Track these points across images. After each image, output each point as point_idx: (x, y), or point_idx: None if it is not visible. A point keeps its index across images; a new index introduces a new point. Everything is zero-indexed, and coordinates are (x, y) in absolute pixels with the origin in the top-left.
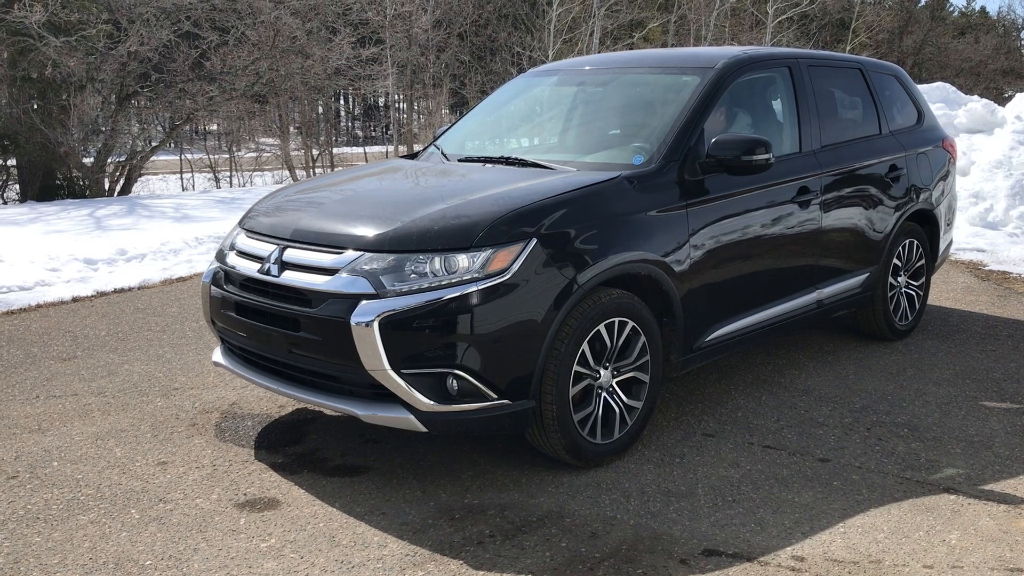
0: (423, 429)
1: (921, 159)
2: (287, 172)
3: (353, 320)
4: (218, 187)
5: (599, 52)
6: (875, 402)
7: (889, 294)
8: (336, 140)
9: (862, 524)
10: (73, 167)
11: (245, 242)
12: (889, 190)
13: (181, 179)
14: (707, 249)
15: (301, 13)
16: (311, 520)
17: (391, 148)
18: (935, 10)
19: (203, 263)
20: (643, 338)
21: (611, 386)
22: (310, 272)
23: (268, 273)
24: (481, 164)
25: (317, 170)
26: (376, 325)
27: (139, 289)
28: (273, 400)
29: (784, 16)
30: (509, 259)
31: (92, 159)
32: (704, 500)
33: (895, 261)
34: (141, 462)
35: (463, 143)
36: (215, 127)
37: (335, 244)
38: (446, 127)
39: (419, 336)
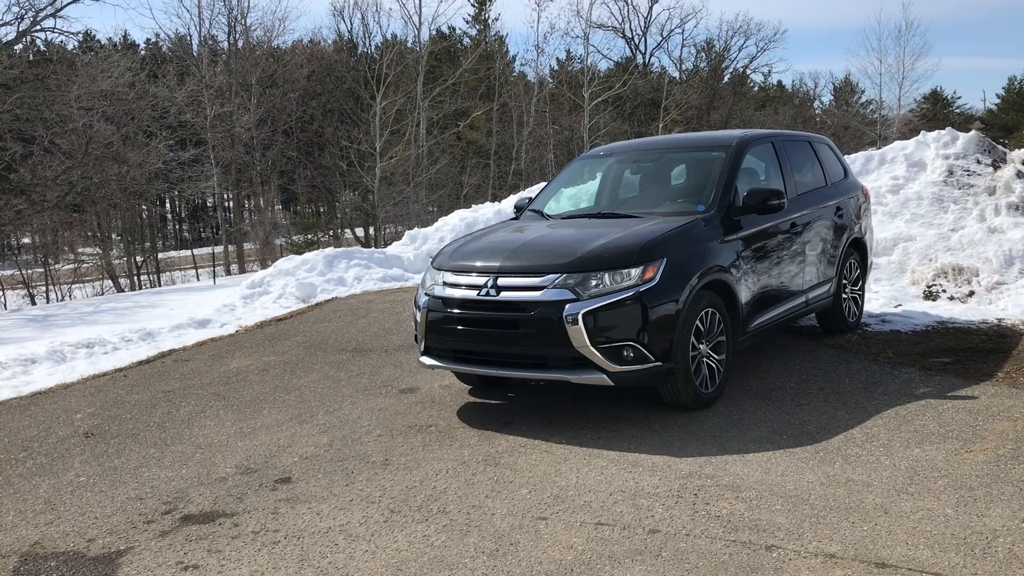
0: (611, 384)
1: (852, 202)
2: (110, 282)
3: (566, 315)
4: (33, 304)
5: (427, 142)
6: (700, 467)
7: (843, 298)
8: (164, 244)
9: None
10: None
11: (455, 278)
12: (838, 224)
13: None
14: (749, 264)
15: (115, 118)
16: None
17: (220, 249)
18: (737, 86)
19: (7, 389)
20: (722, 324)
21: (708, 353)
22: (522, 291)
23: (487, 295)
24: (586, 218)
25: (143, 277)
26: (581, 318)
27: None
28: (81, 534)
29: (599, 99)
30: (654, 271)
31: None
32: None
33: (844, 274)
34: None
35: (553, 207)
36: (28, 240)
37: (538, 270)
38: (526, 200)
39: (608, 323)
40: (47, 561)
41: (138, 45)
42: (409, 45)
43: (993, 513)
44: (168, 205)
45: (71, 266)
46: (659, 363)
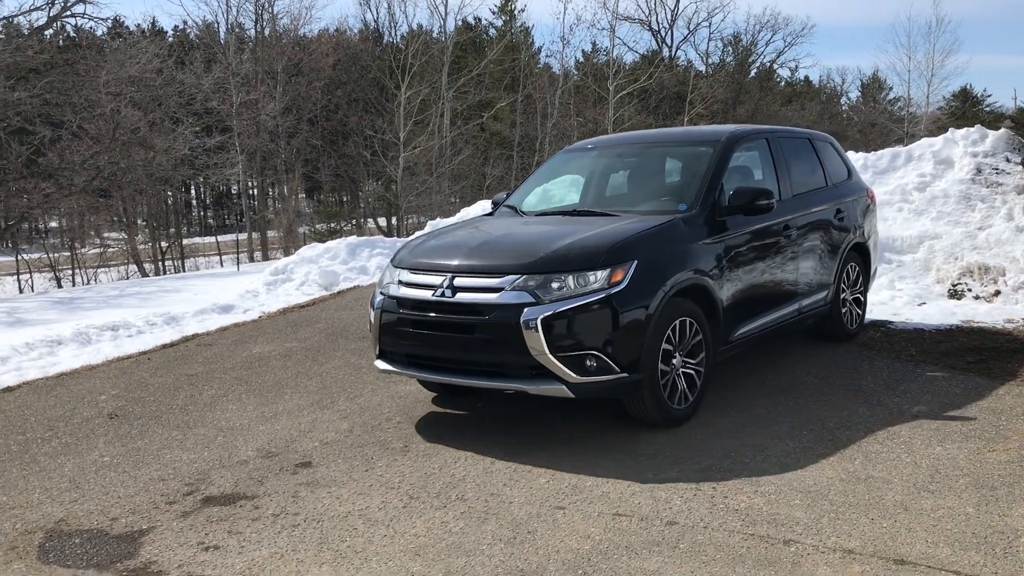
0: (571, 396)
1: (854, 204)
2: (135, 266)
3: (523, 320)
4: (59, 287)
5: (451, 133)
6: (719, 460)
7: (842, 306)
8: (188, 231)
9: None
10: None
11: (411, 277)
12: (837, 228)
13: (18, 280)
14: (734, 269)
15: (142, 104)
16: None
17: (244, 236)
18: (764, 81)
19: (34, 370)
20: (700, 335)
21: (683, 365)
22: (479, 292)
23: (443, 296)
24: (560, 216)
25: (167, 263)
26: (539, 323)
27: None
28: (105, 513)
29: (624, 92)
30: (622, 275)
31: None
32: None
33: (843, 281)
34: None
35: (530, 203)
36: (55, 224)
37: (497, 271)
38: (504, 194)
39: (569, 329)
40: (72, 538)
41: (166, 32)
42: (435, 35)
43: (1015, 513)
44: (193, 191)
45: (97, 250)
46: (625, 374)
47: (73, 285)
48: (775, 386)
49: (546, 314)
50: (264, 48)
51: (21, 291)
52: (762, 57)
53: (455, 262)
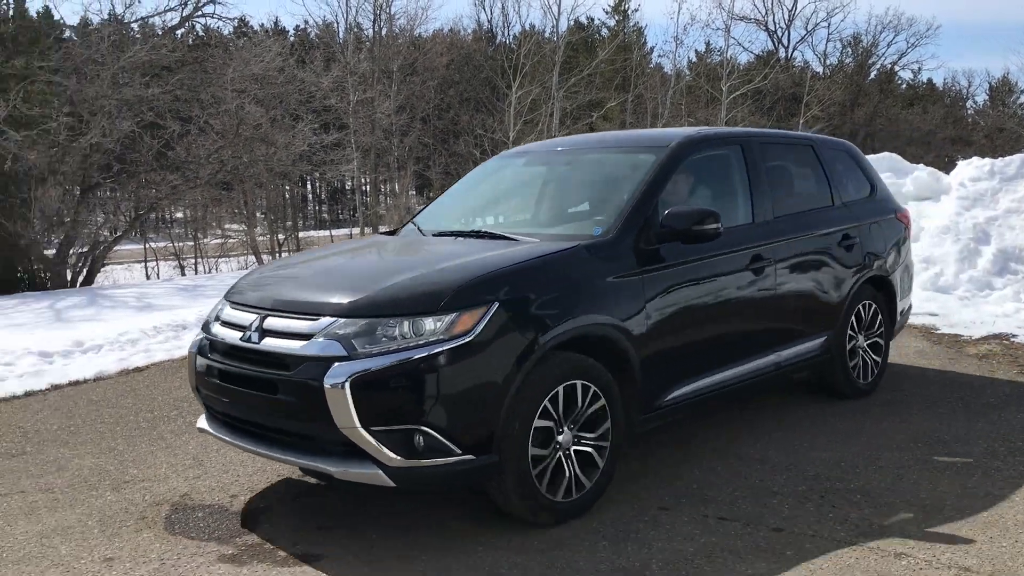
0: (391, 484)
1: (875, 229)
2: (253, 257)
3: (326, 381)
4: (183, 275)
5: (559, 132)
6: (829, 469)
7: (849, 355)
8: (304, 224)
9: None
10: (34, 259)
11: (229, 313)
12: (843, 258)
13: (145, 268)
14: (664, 312)
15: (264, 101)
16: None
17: (356, 230)
18: (884, 83)
19: (161, 352)
20: (603, 401)
21: (570, 451)
22: (288, 338)
23: (249, 340)
24: (453, 238)
25: (283, 254)
26: (347, 385)
27: (95, 381)
28: (225, 490)
29: (738, 92)
30: (472, 322)
31: (54, 251)
32: None
33: (852, 324)
34: (86, 559)
35: (439, 220)
36: (180, 215)
37: (311, 312)
38: (423, 207)
39: (388, 395)
40: (195, 511)
41: (287, 31)
42: (547, 35)
43: None
44: (309, 186)
45: (218, 241)
46: (470, 457)
47: (196, 273)
48: (886, 399)
49: (358, 372)
50: (381, 47)
51: (148, 278)
52: (883, 59)
53: (273, 297)
